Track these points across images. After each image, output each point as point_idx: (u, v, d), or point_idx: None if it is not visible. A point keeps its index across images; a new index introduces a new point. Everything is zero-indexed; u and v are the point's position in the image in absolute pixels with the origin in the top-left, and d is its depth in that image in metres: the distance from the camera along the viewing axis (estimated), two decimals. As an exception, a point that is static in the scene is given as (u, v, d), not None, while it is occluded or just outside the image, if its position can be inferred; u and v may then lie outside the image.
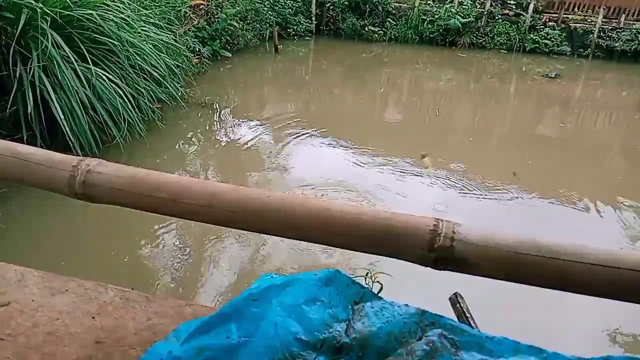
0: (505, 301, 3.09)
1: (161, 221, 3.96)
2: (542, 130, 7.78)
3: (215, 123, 7.01)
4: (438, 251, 0.74)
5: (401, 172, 5.27)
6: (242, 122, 6.94)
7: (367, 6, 13.06)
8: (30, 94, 4.28)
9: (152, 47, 5.67)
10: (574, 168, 5.80)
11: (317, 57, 12.11)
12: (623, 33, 12.28)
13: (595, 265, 0.69)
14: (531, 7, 12.62)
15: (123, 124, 4.91)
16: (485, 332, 0.87)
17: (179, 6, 7.89)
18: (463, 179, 5.17)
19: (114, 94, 4.85)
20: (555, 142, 7.15)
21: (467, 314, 2.75)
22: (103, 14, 5.07)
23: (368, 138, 6.27)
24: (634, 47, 12.03)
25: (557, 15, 13.02)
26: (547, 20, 12.95)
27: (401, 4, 13.27)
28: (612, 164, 6.43)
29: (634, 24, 12.47)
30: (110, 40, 5.01)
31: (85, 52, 4.72)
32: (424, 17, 12.92)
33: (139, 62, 5.38)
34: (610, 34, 12.41)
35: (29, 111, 4.22)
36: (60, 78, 4.46)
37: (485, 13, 12.85)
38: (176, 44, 6.68)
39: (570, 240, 0.73)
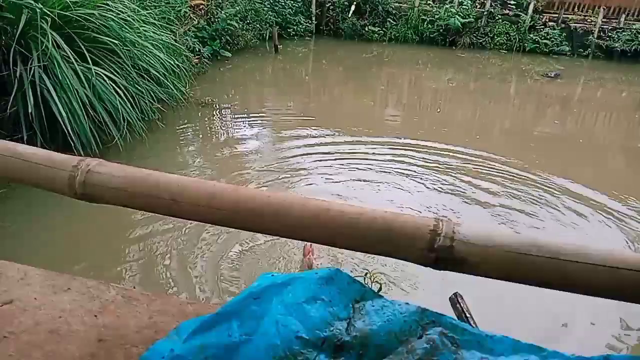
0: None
1: (162, 220, 3.96)
2: (541, 129, 7.79)
3: (215, 123, 7.02)
4: (438, 251, 0.74)
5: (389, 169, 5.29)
6: (242, 121, 6.94)
7: (367, 6, 13.07)
8: (31, 94, 4.28)
9: (152, 47, 5.68)
10: (573, 167, 5.79)
11: (317, 57, 12.11)
12: (623, 33, 12.29)
13: (595, 265, 0.70)
14: (531, 7, 12.63)
15: (123, 123, 4.92)
16: (485, 330, 0.87)
17: (179, 6, 7.89)
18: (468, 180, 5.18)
19: (114, 93, 4.86)
20: (554, 141, 7.15)
21: (467, 313, 2.76)
22: (103, 13, 5.08)
23: (368, 138, 6.28)
24: (634, 47, 12.04)
25: (557, 15, 13.02)
26: (547, 20, 12.96)
27: (401, 4, 13.28)
28: (611, 164, 6.43)
29: (634, 24, 12.48)
30: (111, 40, 5.02)
31: (86, 52, 4.72)
32: (424, 17, 12.93)
33: (139, 62, 5.38)
34: (610, 34, 12.42)
35: (29, 111, 4.23)
36: (60, 78, 4.46)
37: (485, 13, 12.86)
38: (176, 44, 6.68)
39: (570, 239, 0.73)
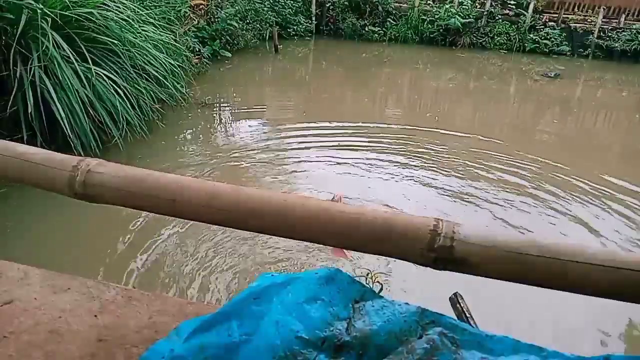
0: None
1: (162, 219, 3.96)
2: (541, 129, 7.80)
3: (215, 123, 7.02)
4: (438, 251, 0.74)
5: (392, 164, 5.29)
6: (242, 121, 6.94)
7: (367, 6, 13.08)
8: (31, 94, 4.28)
9: (152, 47, 5.68)
10: (571, 164, 5.80)
11: (317, 57, 12.11)
12: (623, 33, 12.30)
13: (595, 265, 0.69)
14: (531, 7, 12.64)
15: (123, 123, 4.92)
16: (485, 330, 0.87)
17: (179, 6, 7.90)
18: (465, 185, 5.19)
19: (114, 93, 4.86)
20: (552, 140, 7.17)
21: (467, 313, 2.76)
22: (103, 13, 5.08)
23: (368, 136, 6.28)
24: (633, 47, 12.05)
25: (557, 15, 13.03)
26: (547, 20, 12.97)
27: (401, 4, 13.29)
28: (611, 163, 6.43)
29: (634, 24, 12.49)
30: (111, 40, 5.02)
31: (86, 52, 4.72)
32: (424, 17, 12.94)
33: (139, 62, 5.38)
34: (610, 34, 12.43)
35: (29, 111, 4.23)
36: (60, 78, 4.46)
37: (485, 13, 12.87)
38: (176, 44, 6.68)
39: (570, 240, 0.73)
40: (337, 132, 6.44)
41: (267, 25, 11.49)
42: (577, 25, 12.80)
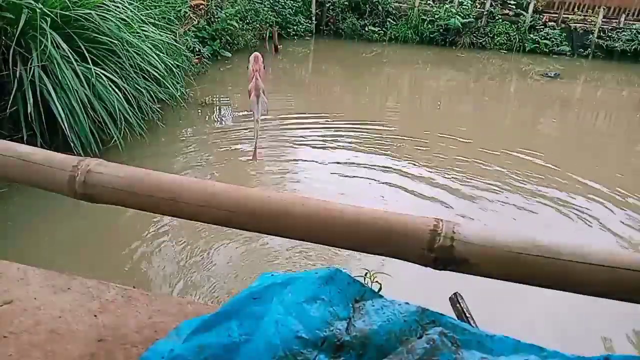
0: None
1: (161, 218, 3.96)
2: (540, 129, 7.80)
3: (215, 123, 7.02)
4: (438, 251, 0.74)
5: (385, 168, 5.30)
6: (242, 122, 6.94)
7: (367, 6, 13.08)
8: (30, 93, 4.28)
9: (152, 47, 5.68)
10: (572, 168, 5.80)
11: (317, 57, 12.11)
12: (623, 33, 12.30)
13: (595, 265, 0.69)
14: (531, 7, 12.64)
15: (123, 123, 4.92)
16: (485, 330, 0.87)
17: (179, 6, 7.90)
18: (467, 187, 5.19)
19: (114, 93, 4.85)
20: (551, 139, 7.17)
21: (467, 313, 2.76)
22: (102, 13, 5.08)
23: (368, 136, 6.29)
24: (634, 47, 12.05)
25: (557, 15, 13.03)
26: (547, 20, 12.96)
27: (401, 4, 13.28)
28: (610, 163, 6.43)
29: (634, 24, 12.49)
30: (110, 40, 5.02)
31: (85, 52, 4.72)
32: (424, 17, 12.94)
33: (139, 62, 5.38)
34: (610, 34, 12.43)
35: (29, 111, 4.22)
36: (60, 78, 4.46)
37: (485, 13, 12.86)
38: (176, 44, 6.68)
39: (570, 240, 0.73)
40: (337, 132, 6.44)
41: (267, 25, 11.48)
42: (577, 25, 12.79)
